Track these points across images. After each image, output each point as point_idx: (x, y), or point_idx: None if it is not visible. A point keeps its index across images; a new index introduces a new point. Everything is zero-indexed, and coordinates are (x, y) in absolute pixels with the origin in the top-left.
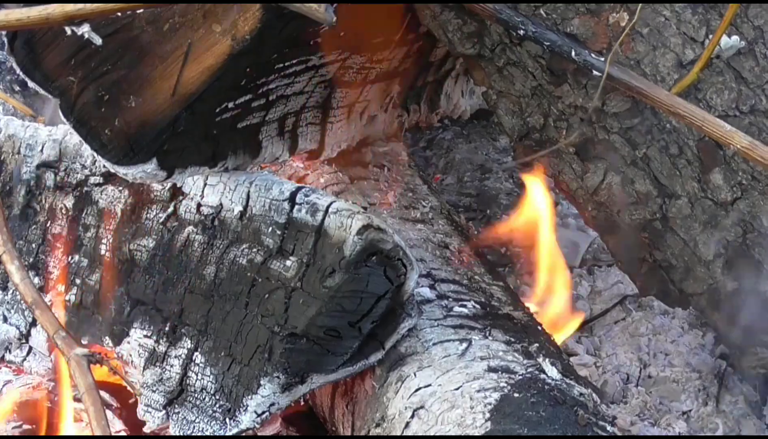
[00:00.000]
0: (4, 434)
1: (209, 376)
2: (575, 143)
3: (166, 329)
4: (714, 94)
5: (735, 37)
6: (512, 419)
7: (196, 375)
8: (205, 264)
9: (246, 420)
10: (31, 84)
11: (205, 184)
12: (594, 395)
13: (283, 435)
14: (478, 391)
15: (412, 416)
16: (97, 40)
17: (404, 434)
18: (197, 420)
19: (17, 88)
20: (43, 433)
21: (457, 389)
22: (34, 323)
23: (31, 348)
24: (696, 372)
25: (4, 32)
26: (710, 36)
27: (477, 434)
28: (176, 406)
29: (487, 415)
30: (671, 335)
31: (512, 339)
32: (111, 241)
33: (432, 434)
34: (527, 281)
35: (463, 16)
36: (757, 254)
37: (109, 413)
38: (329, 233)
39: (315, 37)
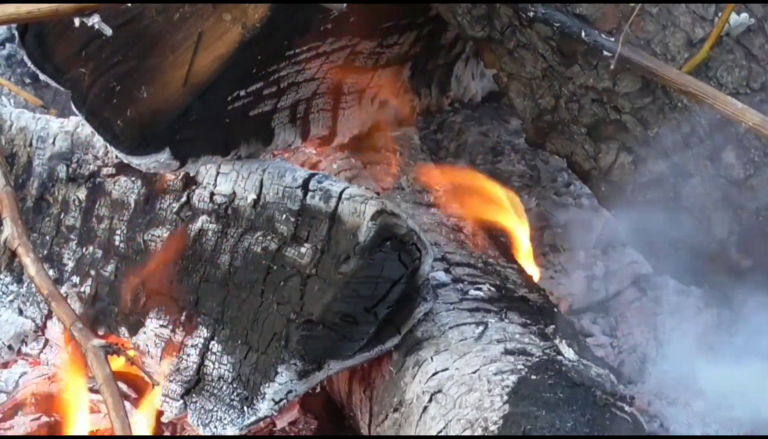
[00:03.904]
0: (24, 426)
1: (226, 364)
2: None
3: (182, 318)
4: (724, 72)
5: (744, 15)
6: (530, 401)
7: (213, 364)
8: (219, 253)
9: (264, 408)
10: (42, 76)
11: (218, 173)
12: (611, 375)
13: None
14: (496, 374)
15: (430, 400)
16: (108, 31)
17: (422, 417)
18: (215, 409)
19: (28, 81)
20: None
21: (474, 372)
22: (49, 315)
23: (47, 340)
24: (713, 351)
25: (14, 25)
26: (719, 14)
27: (489, 426)
28: (194, 395)
29: (505, 397)
30: (687, 313)
31: (528, 321)
32: (125, 231)
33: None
34: None
35: None
36: None
37: (127, 403)
38: (343, 219)
39: (325, 24)
